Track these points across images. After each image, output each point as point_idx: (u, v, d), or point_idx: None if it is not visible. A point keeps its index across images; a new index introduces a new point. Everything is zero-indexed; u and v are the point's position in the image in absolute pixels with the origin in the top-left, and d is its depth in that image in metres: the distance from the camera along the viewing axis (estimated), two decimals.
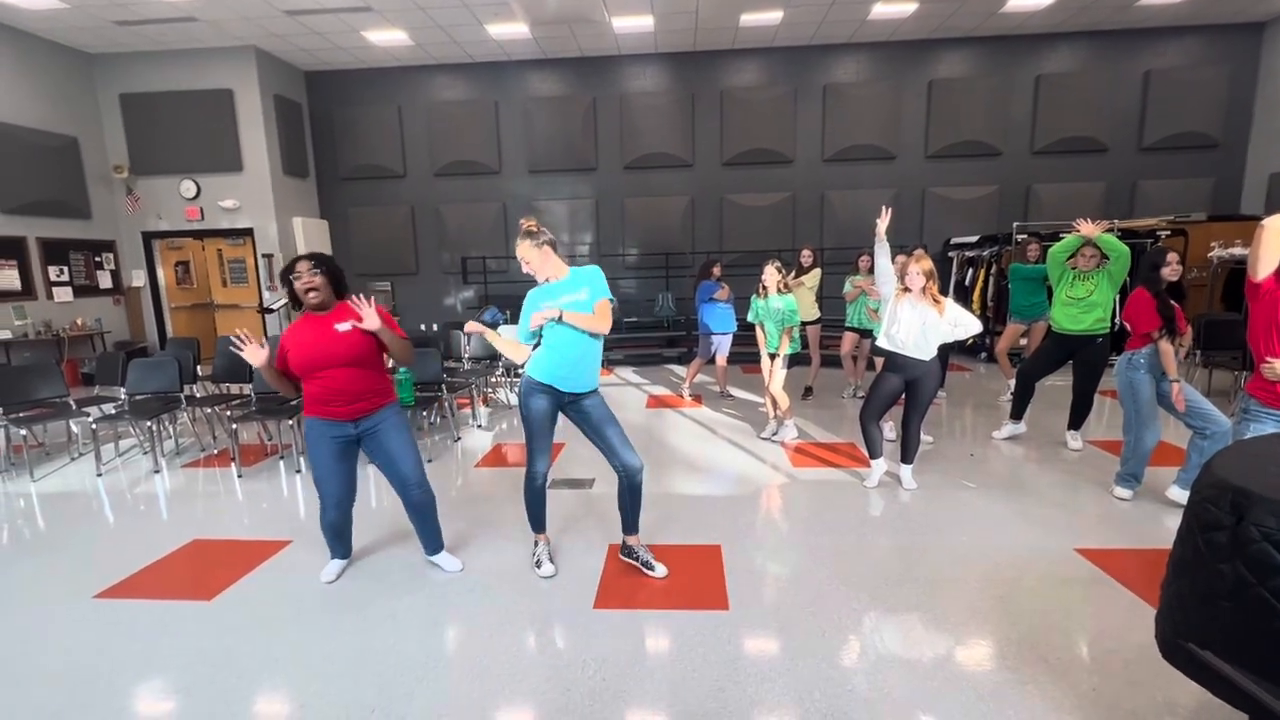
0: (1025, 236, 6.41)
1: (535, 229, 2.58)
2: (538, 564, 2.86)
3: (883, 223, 3.44)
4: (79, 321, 7.94)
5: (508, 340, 2.70)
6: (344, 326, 2.53)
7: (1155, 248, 4.01)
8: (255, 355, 2.53)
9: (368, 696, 2.07)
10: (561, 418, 2.72)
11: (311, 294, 2.49)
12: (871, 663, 2.18)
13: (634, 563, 2.84)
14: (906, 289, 3.47)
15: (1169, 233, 7.14)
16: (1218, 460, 1.41)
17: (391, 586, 2.77)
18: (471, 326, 2.70)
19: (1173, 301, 3.19)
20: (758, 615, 2.48)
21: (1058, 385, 4.99)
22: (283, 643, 2.38)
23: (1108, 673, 2.09)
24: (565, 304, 2.55)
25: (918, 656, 2.20)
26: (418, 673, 2.19)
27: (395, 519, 2.97)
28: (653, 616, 2.49)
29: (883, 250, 3.43)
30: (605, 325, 2.59)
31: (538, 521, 2.89)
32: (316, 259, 2.55)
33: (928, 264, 3.45)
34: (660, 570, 2.80)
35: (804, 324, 5.67)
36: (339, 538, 2.84)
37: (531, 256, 2.57)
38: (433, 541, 2.90)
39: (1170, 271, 3.31)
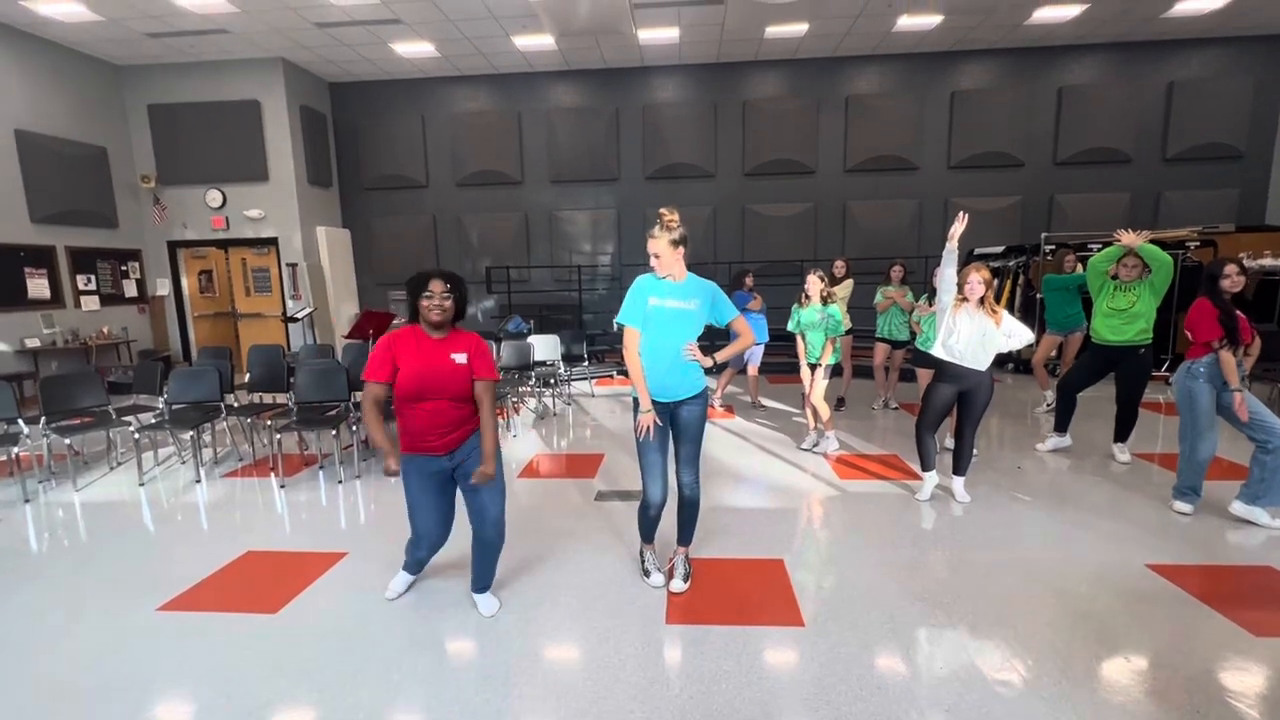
0: (1055, 248, 6.38)
1: (675, 224, 2.51)
2: (646, 574, 2.86)
3: (959, 226, 3.29)
4: (105, 330, 7.96)
5: (634, 375, 2.58)
6: (460, 358, 2.39)
7: (1215, 259, 3.98)
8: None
9: (452, 713, 2.04)
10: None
11: (437, 314, 2.35)
12: (962, 682, 2.13)
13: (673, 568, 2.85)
14: (964, 299, 3.45)
15: (1198, 243, 7.12)
16: None
17: (458, 599, 2.73)
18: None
19: (1238, 312, 3.16)
20: (835, 632, 2.44)
21: (1097, 396, 4.94)
22: (358, 656, 2.35)
23: (1209, 693, 2.05)
24: (669, 308, 2.54)
25: (1008, 677, 2.16)
26: (500, 689, 2.15)
27: (465, 532, 2.89)
28: (729, 632, 2.45)
29: (950, 260, 3.37)
30: (750, 338, 2.82)
31: (648, 534, 2.88)
32: (450, 279, 2.39)
33: (987, 274, 3.44)
34: (657, 579, 2.81)
35: None
36: (420, 566, 2.81)
37: (665, 253, 2.51)
38: (483, 579, 2.68)
39: (1230, 284, 3.28)
